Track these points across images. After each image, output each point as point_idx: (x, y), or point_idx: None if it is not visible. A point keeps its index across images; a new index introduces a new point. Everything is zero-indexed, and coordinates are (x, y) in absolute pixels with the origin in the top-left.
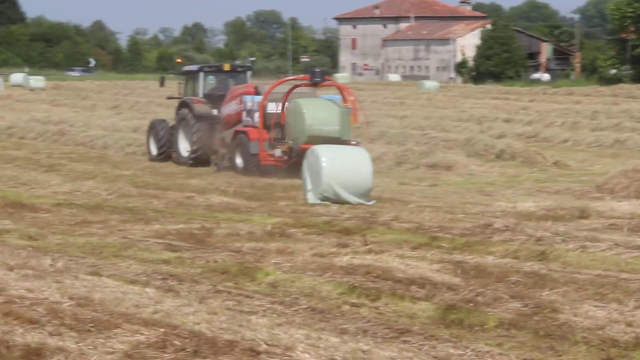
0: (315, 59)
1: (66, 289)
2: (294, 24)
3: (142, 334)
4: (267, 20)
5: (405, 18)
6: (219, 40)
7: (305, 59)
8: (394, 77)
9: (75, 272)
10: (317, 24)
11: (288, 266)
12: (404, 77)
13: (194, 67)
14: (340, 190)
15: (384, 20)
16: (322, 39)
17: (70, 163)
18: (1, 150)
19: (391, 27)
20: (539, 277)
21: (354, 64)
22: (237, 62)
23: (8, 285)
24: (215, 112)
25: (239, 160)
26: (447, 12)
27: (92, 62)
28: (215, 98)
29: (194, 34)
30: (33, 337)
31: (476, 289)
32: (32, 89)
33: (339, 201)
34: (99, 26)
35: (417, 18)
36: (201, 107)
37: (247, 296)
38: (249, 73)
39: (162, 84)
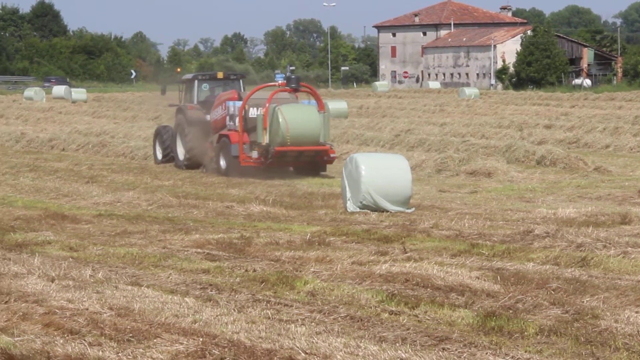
0: (355, 67)
1: (106, 300)
2: (333, 33)
3: (181, 343)
4: (306, 29)
5: (445, 25)
6: (259, 50)
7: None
8: (434, 84)
9: (116, 282)
10: (356, 32)
11: (327, 274)
12: (444, 84)
13: (189, 76)
14: (380, 198)
15: (424, 27)
16: (361, 47)
17: (111, 174)
18: (43, 162)
19: (431, 35)
20: (579, 283)
21: (393, 71)
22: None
23: (49, 296)
24: (208, 117)
25: (222, 162)
26: (487, 19)
27: (133, 74)
28: (209, 104)
29: (234, 44)
30: (73, 348)
31: (516, 296)
32: (73, 101)
33: (378, 209)
34: (139, 38)
35: (456, 25)
36: (194, 113)
37: (286, 305)
38: (242, 81)
39: (163, 92)
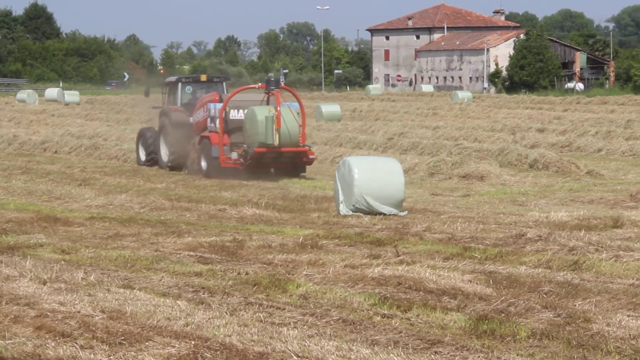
0: (348, 70)
1: (98, 302)
2: (327, 36)
3: (173, 346)
4: (300, 32)
5: (439, 29)
6: (253, 53)
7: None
8: (427, 87)
9: (108, 285)
10: (350, 35)
11: (319, 278)
12: (437, 87)
13: (172, 78)
14: (372, 200)
15: (417, 31)
16: (355, 50)
17: (104, 177)
18: (35, 164)
19: (424, 38)
20: (571, 286)
21: (387, 75)
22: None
23: (41, 299)
24: (191, 119)
25: (203, 163)
26: (480, 23)
27: (126, 76)
28: (192, 107)
29: (228, 46)
30: (65, 351)
31: (508, 299)
32: (66, 104)
33: (371, 212)
34: (133, 40)
35: (450, 29)
36: (178, 116)
37: (279, 308)
38: (225, 83)
39: (147, 94)
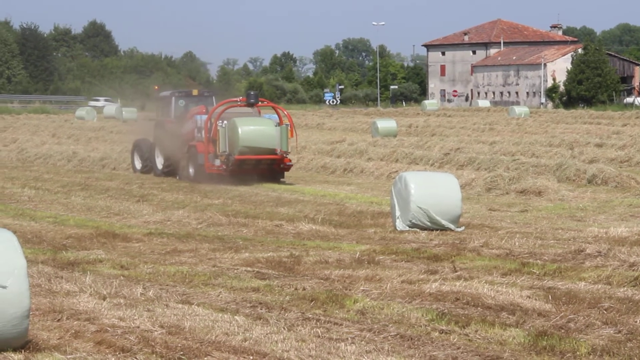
0: (404, 86)
1: (157, 318)
2: (382, 52)
3: None
4: (356, 48)
5: (495, 44)
6: (308, 69)
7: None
8: (484, 103)
9: (166, 300)
10: (405, 51)
11: (377, 293)
12: (494, 102)
13: (166, 93)
14: (430, 213)
15: (473, 46)
16: (410, 66)
17: (161, 193)
18: (94, 181)
19: (480, 53)
20: (632, 303)
21: (443, 90)
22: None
23: (101, 314)
24: (183, 130)
25: (191, 170)
26: (537, 37)
27: None
28: (184, 119)
29: (284, 63)
30: None
31: (568, 315)
32: (124, 120)
33: (427, 228)
34: (189, 57)
35: (506, 44)
36: (171, 127)
37: (336, 323)
38: (214, 97)
39: (142, 108)
